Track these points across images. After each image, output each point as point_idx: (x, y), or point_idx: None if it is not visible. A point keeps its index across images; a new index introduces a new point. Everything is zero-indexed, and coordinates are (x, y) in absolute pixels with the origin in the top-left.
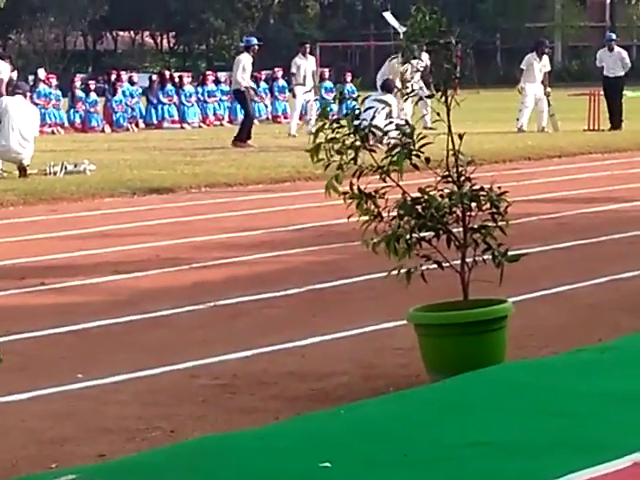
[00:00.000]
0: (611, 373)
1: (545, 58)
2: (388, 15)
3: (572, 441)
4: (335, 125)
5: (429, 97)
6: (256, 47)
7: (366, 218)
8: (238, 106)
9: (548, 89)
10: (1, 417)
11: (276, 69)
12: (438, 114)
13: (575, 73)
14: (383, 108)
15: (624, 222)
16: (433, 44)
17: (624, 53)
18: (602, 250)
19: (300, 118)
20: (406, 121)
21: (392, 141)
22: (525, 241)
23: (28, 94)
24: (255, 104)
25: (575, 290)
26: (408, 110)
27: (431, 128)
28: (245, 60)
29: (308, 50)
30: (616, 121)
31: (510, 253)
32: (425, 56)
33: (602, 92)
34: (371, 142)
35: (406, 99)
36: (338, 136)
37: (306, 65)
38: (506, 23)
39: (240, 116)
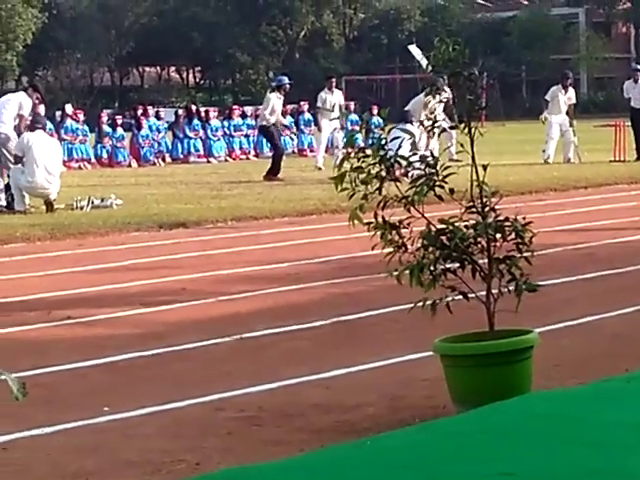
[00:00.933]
0: (638, 402)
1: (571, 91)
2: (413, 48)
3: (598, 471)
4: (361, 154)
5: (452, 128)
6: (287, 87)
7: (390, 249)
8: (264, 140)
9: (573, 121)
10: (26, 451)
11: (302, 103)
12: (462, 145)
13: (600, 104)
14: (409, 139)
15: None
16: (456, 75)
17: None
18: (628, 280)
19: (326, 151)
20: (431, 152)
21: (416, 172)
22: (551, 272)
23: (49, 128)
24: (282, 138)
25: (601, 320)
26: (434, 143)
27: (457, 160)
28: (274, 100)
29: (334, 84)
30: None
31: (532, 283)
32: (448, 90)
33: (628, 123)
34: (397, 173)
35: (429, 131)
36: (363, 165)
37: (332, 99)
38: (531, 55)
39: (266, 150)
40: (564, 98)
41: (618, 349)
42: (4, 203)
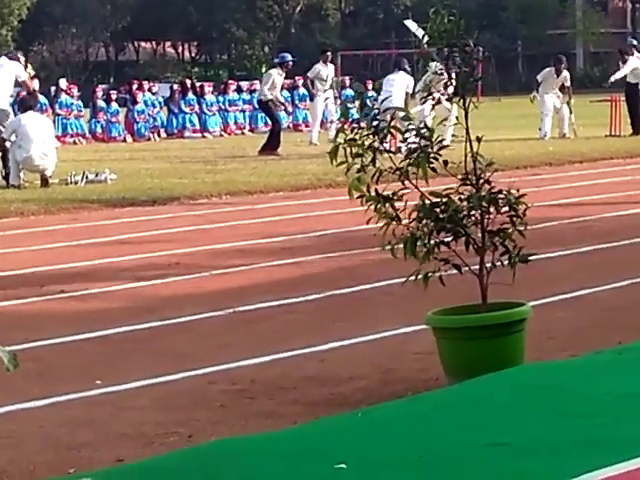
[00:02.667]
0: (629, 374)
1: (564, 74)
2: (409, 22)
3: (590, 441)
4: (355, 126)
5: (448, 100)
6: (290, 64)
7: (384, 222)
8: (260, 115)
9: (571, 100)
10: (19, 423)
11: (297, 78)
12: (457, 118)
13: (596, 79)
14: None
15: None
16: (451, 47)
17: None
18: (623, 254)
19: (321, 126)
20: (425, 124)
21: (410, 145)
22: (545, 245)
23: (43, 103)
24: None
25: (595, 294)
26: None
27: (453, 135)
28: (275, 76)
29: (329, 58)
30: (637, 126)
31: (525, 253)
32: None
33: (623, 98)
34: (394, 147)
35: (424, 102)
36: (357, 137)
37: (326, 71)
38: (527, 30)
39: (261, 125)
40: (557, 81)
41: (611, 322)
42: None
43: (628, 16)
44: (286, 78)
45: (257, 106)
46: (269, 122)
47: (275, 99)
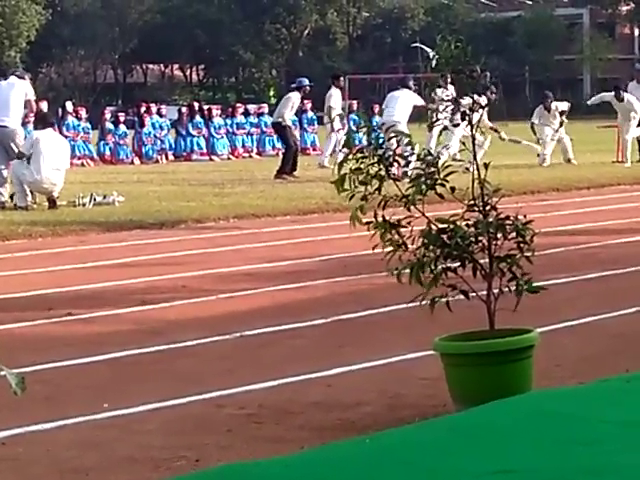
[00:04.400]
0: (637, 402)
1: (553, 107)
2: (419, 44)
3: (597, 469)
4: (359, 155)
5: (455, 126)
6: (307, 88)
7: (390, 249)
8: (267, 138)
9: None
10: (26, 446)
11: (305, 101)
12: (464, 144)
13: (604, 105)
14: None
15: None
16: (458, 73)
17: None
18: (629, 281)
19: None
20: (429, 151)
21: (414, 171)
22: (552, 271)
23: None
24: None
25: (602, 321)
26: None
27: (459, 160)
28: (295, 99)
29: (343, 83)
30: None
31: (535, 284)
32: (451, 88)
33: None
34: (395, 172)
35: (431, 128)
36: (362, 166)
37: (340, 97)
38: (534, 55)
39: (269, 148)
40: (550, 115)
41: (618, 349)
42: (5, 199)
43: (636, 42)
44: None
45: (272, 128)
46: (280, 145)
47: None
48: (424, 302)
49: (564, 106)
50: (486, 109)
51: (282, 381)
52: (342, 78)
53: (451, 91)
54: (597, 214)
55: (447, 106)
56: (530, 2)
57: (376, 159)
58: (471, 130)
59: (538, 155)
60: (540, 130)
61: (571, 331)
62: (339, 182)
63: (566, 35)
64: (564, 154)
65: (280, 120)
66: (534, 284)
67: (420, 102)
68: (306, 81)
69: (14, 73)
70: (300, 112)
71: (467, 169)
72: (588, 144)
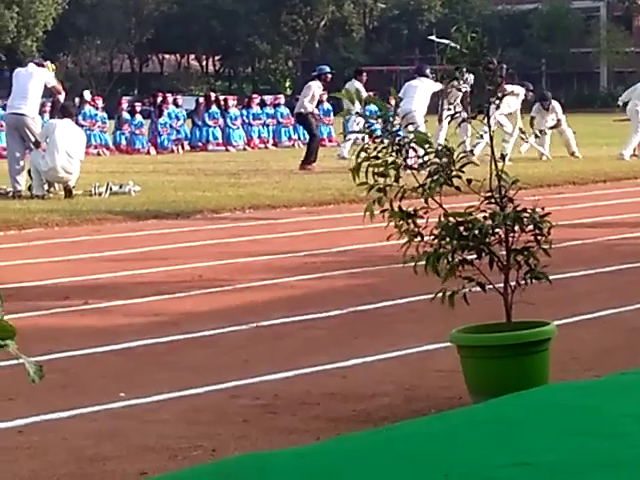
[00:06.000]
0: None
1: (552, 107)
2: (434, 37)
3: (614, 462)
4: (377, 143)
5: (472, 118)
6: (328, 76)
7: (407, 239)
8: (283, 129)
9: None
10: (43, 435)
11: (321, 92)
12: (481, 136)
13: None
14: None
15: None
16: (475, 65)
17: None
18: None
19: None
20: (445, 146)
21: (433, 166)
22: (569, 265)
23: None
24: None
25: (619, 314)
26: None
27: (470, 151)
28: (315, 88)
29: (365, 78)
30: None
31: (549, 277)
32: (471, 77)
33: None
34: (410, 162)
35: (450, 121)
36: (380, 155)
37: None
38: (551, 48)
39: (285, 139)
40: (549, 114)
41: (635, 343)
42: (21, 188)
43: None
44: None
45: (295, 119)
46: (296, 137)
47: (313, 112)
48: (444, 295)
49: (559, 113)
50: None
51: (298, 372)
52: (364, 73)
53: (471, 80)
54: (614, 207)
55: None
56: None
57: (395, 148)
58: (488, 123)
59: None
60: (539, 125)
61: (588, 324)
62: (356, 170)
63: (583, 28)
64: (568, 148)
65: (302, 110)
66: (549, 277)
67: (438, 87)
68: (327, 68)
69: (33, 61)
70: (317, 103)
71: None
72: (604, 137)
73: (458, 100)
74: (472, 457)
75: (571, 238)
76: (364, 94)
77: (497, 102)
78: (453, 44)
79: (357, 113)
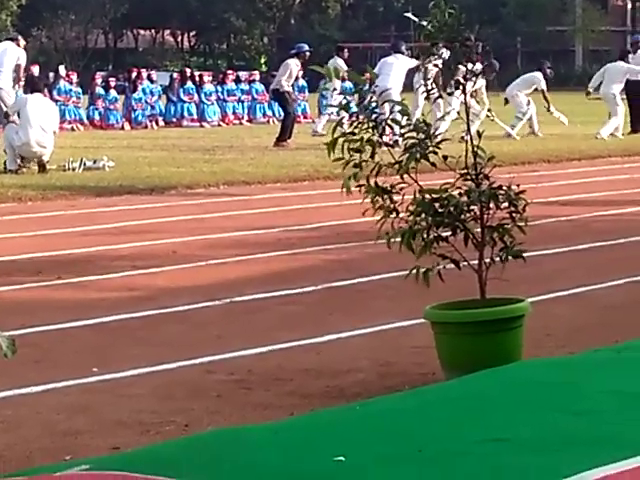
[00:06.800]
0: (628, 372)
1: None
2: (409, 15)
3: (589, 438)
4: (353, 119)
5: (449, 94)
6: (307, 54)
7: (382, 214)
8: (258, 105)
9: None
10: (16, 409)
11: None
12: (458, 113)
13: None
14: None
15: None
16: (452, 41)
17: None
18: (620, 252)
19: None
20: (423, 120)
21: (410, 141)
22: (543, 242)
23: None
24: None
25: (593, 291)
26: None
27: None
28: (293, 65)
29: (346, 55)
30: (637, 125)
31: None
32: (446, 52)
33: (623, 96)
34: (387, 139)
35: (427, 97)
36: (356, 131)
37: (343, 67)
38: (527, 26)
39: (259, 115)
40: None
41: (609, 320)
42: None
43: (628, 15)
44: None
45: (271, 94)
46: (270, 113)
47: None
48: (418, 272)
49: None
50: (484, 80)
51: (272, 347)
52: (346, 50)
53: (446, 55)
54: (588, 186)
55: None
56: None
57: (371, 124)
58: (465, 99)
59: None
60: (520, 103)
61: (563, 301)
62: (331, 145)
63: (559, 6)
64: (531, 126)
65: (278, 87)
66: (524, 254)
67: (414, 63)
68: (305, 47)
69: (8, 38)
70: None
71: (462, 138)
72: (579, 115)
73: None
74: (446, 433)
75: (545, 216)
76: (343, 68)
77: (474, 79)
78: (424, 22)
79: (335, 89)
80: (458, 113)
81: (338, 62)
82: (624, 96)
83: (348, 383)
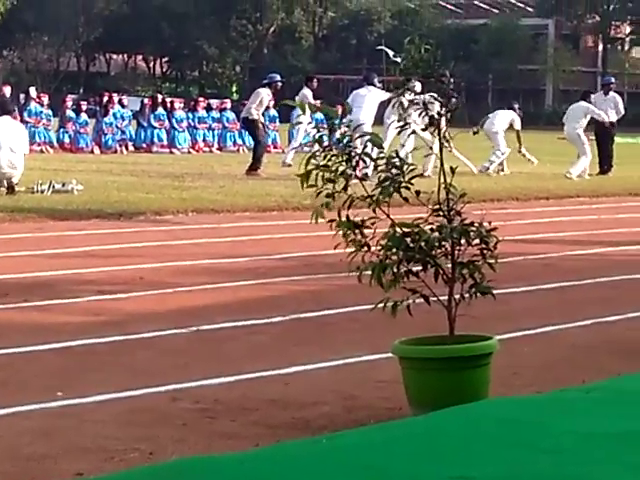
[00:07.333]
0: (596, 413)
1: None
2: (384, 48)
3: (555, 478)
4: (327, 152)
5: (423, 130)
6: (279, 84)
7: (353, 249)
8: (228, 134)
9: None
10: None
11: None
12: (431, 148)
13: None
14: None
15: (609, 266)
16: (428, 77)
17: (618, 98)
18: (587, 292)
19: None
20: (396, 153)
21: (383, 174)
22: (512, 280)
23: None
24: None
25: (560, 331)
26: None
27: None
28: (264, 95)
29: (315, 85)
30: (605, 166)
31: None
32: (418, 85)
33: (592, 136)
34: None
35: (400, 131)
36: (330, 163)
37: (311, 98)
38: (499, 64)
39: (230, 144)
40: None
41: (576, 360)
42: None
43: (599, 56)
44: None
45: (242, 123)
46: (241, 142)
47: (260, 119)
48: (386, 305)
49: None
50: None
51: (239, 377)
52: (315, 80)
53: (418, 88)
54: (556, 225)
55: (416, 109)
56: (496, 10)
57: (344, 157)
58: (439, 135)
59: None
60: (499, 142)
61: (530, 340)
62: (304, 177)
63: (531, 45)
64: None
65: (248, 115)
66: (494, 291)
67: (386, 96)
68: (277, 77)
69: None
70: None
71: (422, 174)
72: (548, 154)
73: (409, 111)
74: (412, 469)
75: (514, 253)
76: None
77: (449, 115)
78: (398, 58)
79: (301, 123)
80: (431, 148)
81: (305, 93)
82: (593, 137)
83: (314, 415)
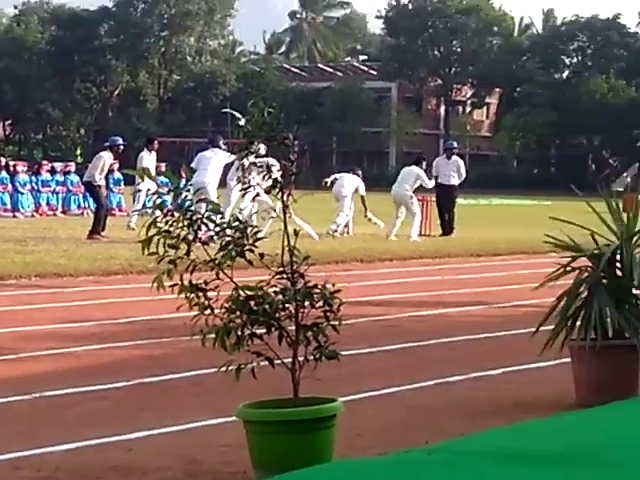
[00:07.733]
0: (438, 474)
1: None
2: (229, 110)
3: None
4: (169, 217)
5: (267, 192)
6: (121, 147)
7: (196, 312)
8: (72, 197)
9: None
10: None
11: (112, 162)
12: (274, 210)
13: None
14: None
15: (450, 327)
16: (271, 140)
17: (461, 162)
18: (428, 353)
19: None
20: (237, 217)
21: (226, 238)
22: (355, 342)
23: None
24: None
25: (402, 392)
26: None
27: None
28: (106, 158)
29: (156, 146)
30: (448, 228)
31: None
32: (262, 147)
33: (434, 199)
34: (203, 237)
35: (244, 194)
36: (172, 229)
37: (150, 160)
38: (342, 126)
39: (74, 207)
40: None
41: (417, 421)
42: None
43: (441, 119)
44: None
45: (84, 187)
46: (86, 205)
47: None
48: (229, 368)
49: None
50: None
51: (81, 444)
52: (155, 142)
53: (263, 150)
54: (400, 286)
55: (259, 171)
56: (340, 74)
57: (186, 222)
58: (282, 197)
59: (338, 225)
60: (347, 200)
61: (373, 401)
62: (146, 243)
63: (374, 108)
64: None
65: (90, 179)
66: (332, 350)
67: (231, 159)
68: (119, 140)
69: None
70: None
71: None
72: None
73: (253, 173)
74: None
75: (358, 315)
76: (152, 164)
77: (292, 178)
78: (242, 121)
79: (141, 190)
80: (274, 210)
81: (143, 155)
82: (433, 199)
83: None
